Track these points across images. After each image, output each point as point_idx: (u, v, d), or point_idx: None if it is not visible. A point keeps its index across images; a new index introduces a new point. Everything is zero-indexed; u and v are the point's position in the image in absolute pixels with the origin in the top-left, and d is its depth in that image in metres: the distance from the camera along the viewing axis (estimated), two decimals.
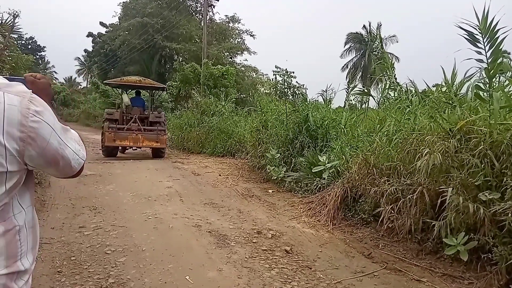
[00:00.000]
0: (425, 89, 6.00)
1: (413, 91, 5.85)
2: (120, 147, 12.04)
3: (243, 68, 29.86)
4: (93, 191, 6.75)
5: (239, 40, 32.34)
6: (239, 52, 31.47)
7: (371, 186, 4.70)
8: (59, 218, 5.06)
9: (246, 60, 33.09)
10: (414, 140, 4.38)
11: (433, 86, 5.95)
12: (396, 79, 5.99)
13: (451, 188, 3.62)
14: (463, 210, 3.49)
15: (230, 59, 30.79)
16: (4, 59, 11.62)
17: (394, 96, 6.20)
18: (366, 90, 7.54)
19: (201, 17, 31.27)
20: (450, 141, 3.84)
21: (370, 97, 8.69)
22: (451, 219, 3.56)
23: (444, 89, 4.93)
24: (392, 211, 4.26)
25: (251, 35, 31.87)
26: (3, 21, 12.22)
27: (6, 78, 1.03)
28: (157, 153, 12.15)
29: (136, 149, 12.34)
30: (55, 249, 3.98)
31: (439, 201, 3.79)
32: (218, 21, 32.27)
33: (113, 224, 4.90)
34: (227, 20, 32.26)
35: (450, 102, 4.54)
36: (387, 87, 6.37)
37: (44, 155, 0.99)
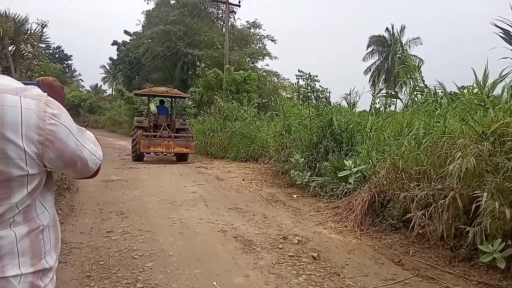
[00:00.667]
0: (451, 91, 5.84)
1: (442, 93, 5.71)
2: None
3: (264, 73, 29.85)
4: (120, 196, 6.85)
5: (260, 45, 32.41)
6: (260, 58, 31.51)
7: (400, 191, 4.58)
8: (87, 223, 5.14)
9: (267, 65, 32.99)
10: (445, 143, 4.25)
11: (462, 88, 5.79)
12: (424, 81, 5.86)
13: (486, 193, 3.49)
14: (499, 216, 3.36)
15: (251, 65, 30.84)
16: (33, 68, 12.03)
17: (421, 98, 6.07)
18: (392, 93, 7.39)
19: (222, 23, 31.44)
20: (484, 144, 3.71)
21: (395, 101, 8.55)
22: (486, 225, 3.43)
23: (475, 90, 4.78)
24: (423, 217, 4.14)
25: (272, 40, 31.91)
26: (32, 31, 12.67)
27: (21, 83, 1.04)
28: (182, 157, 12.70)
29: (166, 155, 12.85)
30: (84, 253, 4.04)
31: (473, 206, 3.65)
32: (239, 27, 32.44)
33: (140, 229, 4.95)
34: (248, 26, 32.39)
35: (482, 104, 4.39)
36: (414, 89, 6.24)
37: (63, 157, 1.00)
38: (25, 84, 1.04)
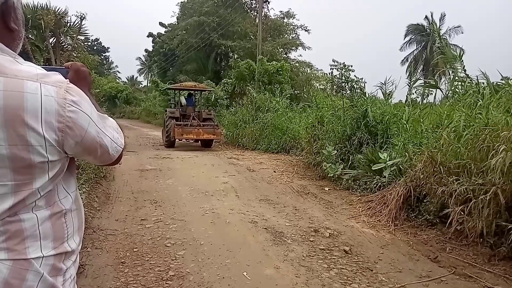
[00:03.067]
0: (494, 82, 5.53)
1: (485, 83, 5.42)
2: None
3: (297, 64, 29.54)
4: (154, 185, 7.00)
5: (294, 35, 32.03)
6: (293, 48, 31.18)
7: (437, 185, 4.41)
8: (122, 211, 5.29)
9: (300, 55, 32.56)
10: (487, 136, 4.04)
11: (503, 79, 5.46)
12: (465, 71, 5.59)
13: None
14: None
15: (284, 55, 30.59)
16: (73, 59, 12.39)
17: (462, 89, 5.79)
18: (432, 83, 7.09)
19: (256, 13, 31.30)
20: None
21: (433, 91, 8.22)
22: None
23: None
24: (462, 213, 3.97)
25: (305, 30, 31.46)
26: (72, 23, 13.05)
27: (47, 68, 1.04)
28: (207, 144, 14.16)
29: (197, 141, 14.43)
30: (119, 240, 4.16)
31: None
32: (272, 17, 32.15)
33: (172, 217, 5.04)
34: (282, 15, 32.08)
35: None
36: (454, 79, 5.96)
37: (83, 144, 1.01)
38: (54, 69, 1.04)
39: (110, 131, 1.12)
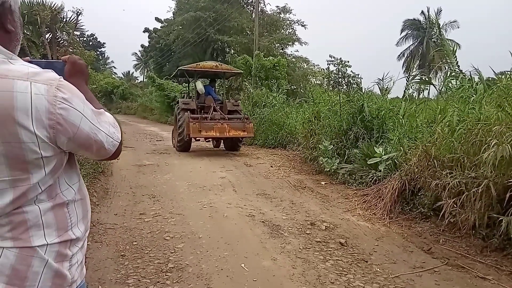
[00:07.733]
0: (489, 77, 5.61)
1: (478, 79, 5.50)
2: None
3: (293, 59, 29.58)
4: (152, 180, 7.06)
5: (290, 30, 32.00)
6: (290, 43, 31.18)
7: (431, 179, 4.49)
8: (121, 205, 5.34)
9: (297, 51, 32.53)
10: (480, 130, 4.12)
11: (499, 74, 5.55)
12: (458, 66, 5.66)
13: None
14: None
15: (281, 50, 30.58)
16: (68, 55, 12.40)
17: (456, 84, 5.87)
18: (426, 79, 7.18)
19: (252, 9, 31.27)
20: None
21: (428, 87, 8.30)
22: None
23: None
24: (455, 205, 4.05)
25: (302, 25, 31.44)
26: (68, 19, 13.02)
27: (44, 62, 1.10)
28: (233, 146, 11.16)
29: (218, 142, 11.65)
30: (118, 234, 4.22)
31: (507, 195, 3.54)
32: (269, 12, 32.09)
33: (171, 211, 5.10)
34: (278, 11, 32.03)
35: None
36: (448, 75, 6.04)
37: (76, 140, 1.04)
38: (50, 63, 1.09)
39: (106, 126, 1.15)
